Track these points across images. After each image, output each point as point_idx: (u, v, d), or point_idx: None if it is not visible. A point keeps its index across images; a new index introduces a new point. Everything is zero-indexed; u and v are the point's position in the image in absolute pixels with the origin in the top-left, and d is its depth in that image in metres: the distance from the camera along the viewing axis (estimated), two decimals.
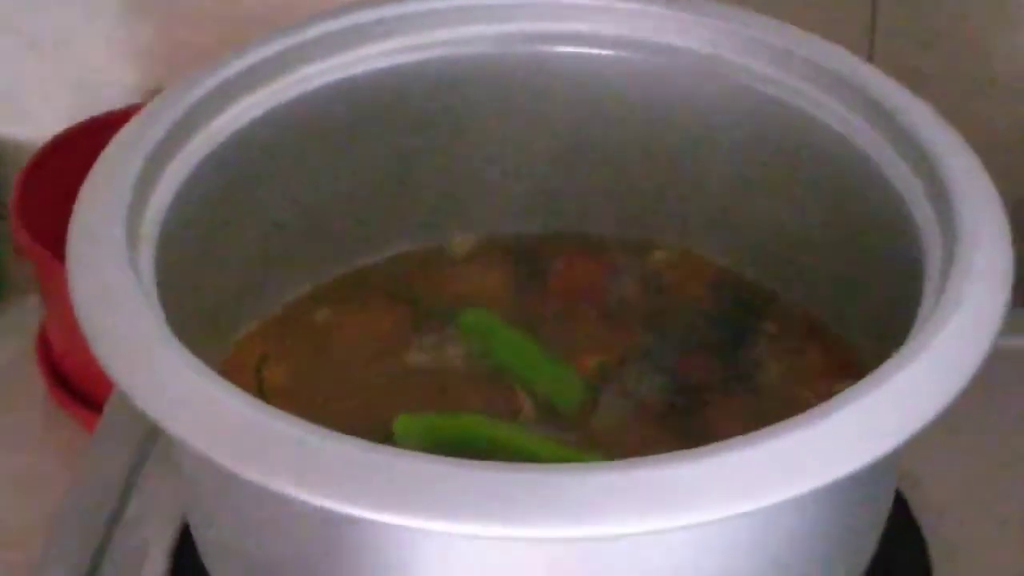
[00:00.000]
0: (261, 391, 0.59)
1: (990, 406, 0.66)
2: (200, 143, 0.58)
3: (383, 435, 0.57)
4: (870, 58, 0.82)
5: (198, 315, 0.56)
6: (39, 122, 0.91)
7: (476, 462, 0.46)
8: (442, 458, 0.46)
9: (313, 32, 0.61)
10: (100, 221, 0.53)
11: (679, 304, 0.64)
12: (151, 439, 0.66)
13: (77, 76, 0.91)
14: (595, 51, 0.63)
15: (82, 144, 0.84)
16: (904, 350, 0.50)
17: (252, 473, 0.46)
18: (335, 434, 0.47)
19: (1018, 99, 0.84)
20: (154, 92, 0.61)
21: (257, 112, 0.60)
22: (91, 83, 0.91)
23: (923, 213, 0.56)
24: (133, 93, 0.89)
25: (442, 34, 0.63)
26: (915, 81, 0.60)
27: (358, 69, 0.62)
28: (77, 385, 0.84)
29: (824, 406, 0.48)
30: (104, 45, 0.90)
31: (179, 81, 0.59)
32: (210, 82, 0.59)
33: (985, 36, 0.82)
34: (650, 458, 0.46)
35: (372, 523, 0.46)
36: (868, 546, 0.56)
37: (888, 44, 0.82)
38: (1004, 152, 0.76)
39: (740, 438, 0.46)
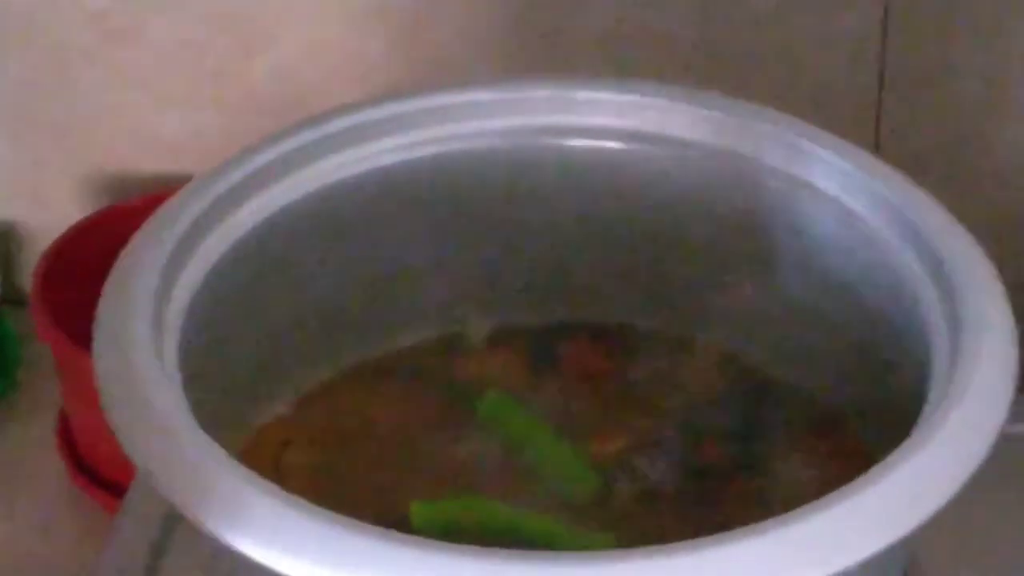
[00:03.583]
0: (280, 475, 0.60)
1: (997, 492, 0.66)
2: (223, 235, 0.60)
3: (400, 520, 0.57)
4: (876, 147, 0.83)
5: (221, 401, 0.57)
6: (59, 208, 0.92)
7: (487, 549, 0.47)
8: (453, 546, 0.47)
9: (332, 126, 0.62)
10: (127, 312, 0.54)
11: (692, 391, 0.64)
12: (172, 523, 0.67)
13: (98, 163, 0.92)
14: (605, 144, 0.64)
15: (101, 232, 0.86)
16: (911, 439, 0.51)
17: (271, 560, 0.47)
18: (352, 522, 0.48)
19: (1018, 187, 0.85)
20: (176, 180, 0.62)
21: (277, 205, 0.61)
22: (111, 171, 0.92)
23: (929, 303, 0.57)
24: (154, 182, 0.91)
25: (453, 128, 0.64)
26: (918, 169, 0.61)
27: (373, 163, 0.63)
28: (97, 469, 0.84)
29: (832, 496, 0.48)
30: (125, 133, 0.91)
31: (203, 172, 0.60)
32: (234, 174, 0.60)
33: (986, 127, 0.84)
34: (659, 547, 0.47)
35: None
36: None
37: (893, 135, 0.84)
38: (1005, 238, 0.77)
39: (748, 527, 0.47)
